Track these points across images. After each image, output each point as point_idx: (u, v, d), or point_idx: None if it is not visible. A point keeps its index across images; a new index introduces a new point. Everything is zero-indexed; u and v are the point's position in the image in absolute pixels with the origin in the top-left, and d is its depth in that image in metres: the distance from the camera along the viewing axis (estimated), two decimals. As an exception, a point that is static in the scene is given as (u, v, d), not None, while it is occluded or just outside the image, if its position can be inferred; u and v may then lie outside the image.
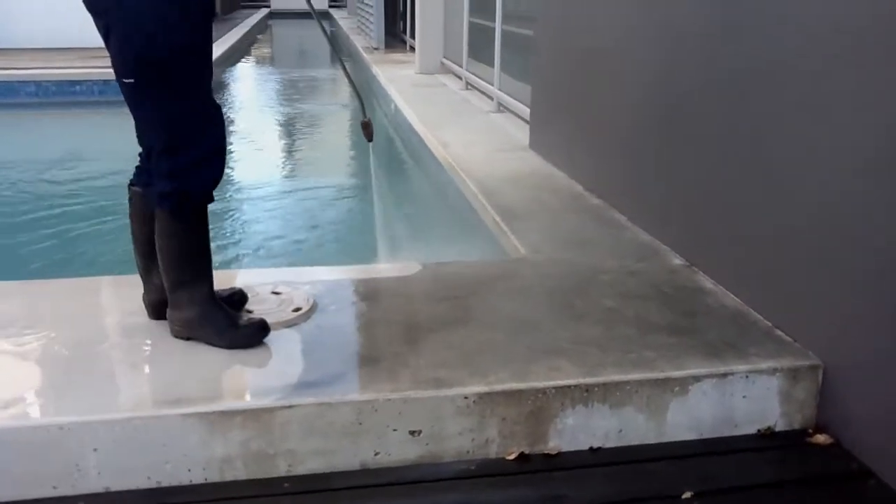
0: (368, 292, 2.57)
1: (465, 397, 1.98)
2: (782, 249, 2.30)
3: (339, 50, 2.45)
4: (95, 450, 1.86)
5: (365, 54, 10.85)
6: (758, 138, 2.39)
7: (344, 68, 2.48)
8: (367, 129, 2.49)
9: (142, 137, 2.15)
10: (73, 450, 1.85)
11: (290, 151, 7.24)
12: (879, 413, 1.97)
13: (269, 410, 1.91)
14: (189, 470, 1.91)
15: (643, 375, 2.06)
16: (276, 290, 2.52)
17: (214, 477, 1.93)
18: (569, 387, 2.02)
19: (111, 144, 6.91)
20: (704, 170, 2.71)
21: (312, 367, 2.09)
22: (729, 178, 2.55)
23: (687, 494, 1.88)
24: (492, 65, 6.31)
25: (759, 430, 2.15)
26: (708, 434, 2.13)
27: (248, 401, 1.92)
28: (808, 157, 2.17)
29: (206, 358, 2.11)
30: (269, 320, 2.30)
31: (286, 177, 6.37)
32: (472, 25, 7.30)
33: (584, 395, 2.03)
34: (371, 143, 2.56)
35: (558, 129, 4.30)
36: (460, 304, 2.49)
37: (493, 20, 6.27)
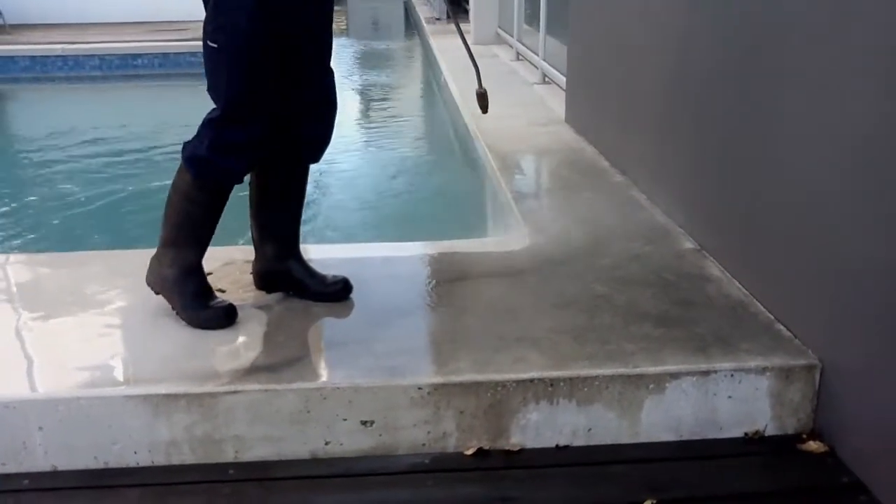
0: (350, 273, 2.48)
1: (420, 388, 1.88)
2: (790, 240, 2.09)
3: (458, 24, 2.37)
4: (41, 428, 1.84)
5: (426, 24, 10.71)
6: (775, 127, 2.17)
7: (463, 40, 2.37)
8: (482, 100, 2.39)
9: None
10: (19, 427, 1.84)
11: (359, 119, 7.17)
12: (879, 421, 1.77)
13: (212, 395, 1.85)
14: (135, 452, 1.88)
15: (614, 370, 1.92)
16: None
17: (161, 460, 1.89)
18: (531, 380, 1.89)
19: (167, 116, 7.08)
20: (722, 153, 2.50)
21: (269, 350, 2.02)
22: (745, 164, 2.34)
23: (648, 502, 1.74)
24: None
25: (746, 434, 1.98)
26: (688, 436, 1.97)
27: (192, 384, 1.87)
28: (819, 153, 1.96)
29: (163, 339, 2.07)
30: (240, 299, 2.26)
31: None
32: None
33: (548, 389, 1.90)
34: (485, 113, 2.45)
35: (591, 102, 4.10)
36: (443, 287, 2.38)
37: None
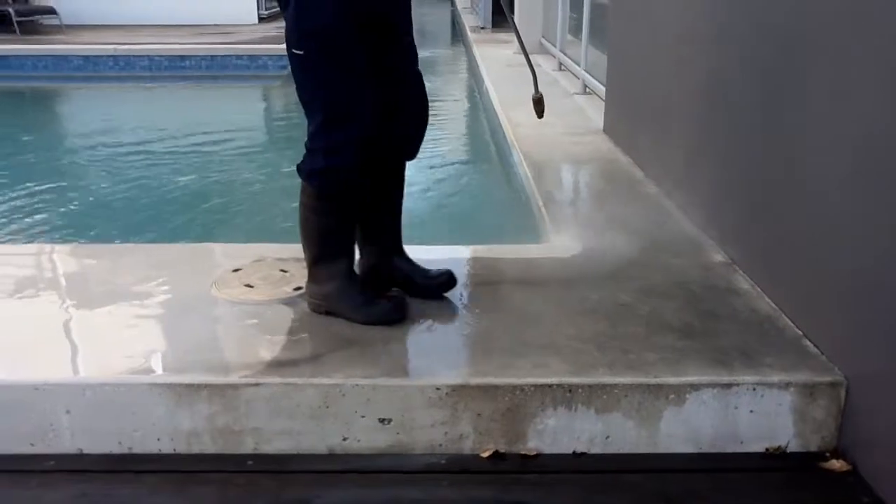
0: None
1: (437, 388, 1.89)
2: (819, 255, 2.06)
3: (518, 30, 2.38)
4: (68, 411, 1.90)
5: (471, 33, 10.76)
6: (806, 143, 2.14)
7: (522, 46, 2.40)
8: (538, 106, 2.38)
9: (307, 114, 2.14)
10: (47, 410, 1.90)
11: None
12: (901, 441, 1.74)
13: (234, 387, 1.89)
14: (158, 439, 1.92)
15: (634, 379, 1.90)
16: (284, 267, 2.49)
17: (182, 448, 1.93)
18: (549, 385, 1.89)
19: (212, 116, 7.21)
20: (754, 167, 2.47)
21: (292, 346, 2.05)
22: (776, 179, 2.31)
23: (661, 512, 1.72)
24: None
25: (766, 449, 1.95)
26: (707, 448, 1.95)
27: (215, 376, 1.90)
28: (848, 171, 1.93)
29: (189, 330, 2.11)
30: (269, 296, 2.30)
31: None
32: (575, 2, 7.04)
33: (566, 395, 1.89)
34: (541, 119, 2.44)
35: (627, 113, 4.08)
36: (468, 291, 2.39)
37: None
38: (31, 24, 10.87)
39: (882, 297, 1.78)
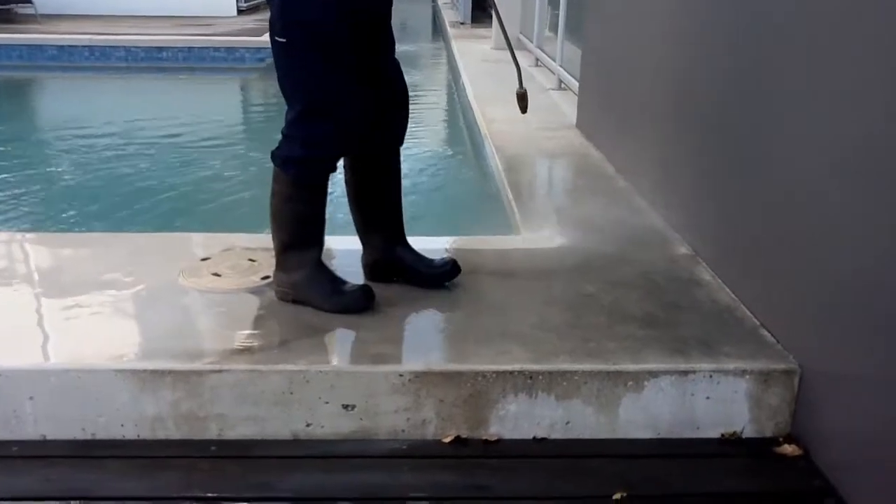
0: (348, 263, 2.52)
1: (401, 375, 1.92)
2: (778, 248, 2.10)
3: (503, 25, 2.39)
4: (32, 398, 1.90)
5: (450, 28, 10.77)
6: (768, 141, 2.19)
7: (507, 40, 2.41)
8: (522, 101, 2.40)
9: (287, 101, 2.15)
10: (11, 396, 1.90)
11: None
12: (850, 426, 1.78)
13: (198, 373, 1.90)
14: (122, 425, 1.93)
15: (593, 367, 1.94)
16: (252, 257, 2.51)
17: (146, 434, 1.94)
18: (510, 372, 1.92)
19: (189, 108, 7.18)
20: (718, 163, 2.52)
21: (258, 333, 2.06)
22: (738, 174, 2.35)
23: (618, 496, 1.76)
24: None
25: (722, 435, 1.99)
26: (665, 434, 1.99)
27: (179, 362, 1.91)
28: (807, 167, 1.97)
29: (155, 318, 2.12)
30: (236, 284, 2.31)
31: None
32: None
33: (527, 382, 1.93)
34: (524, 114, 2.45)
35: (600, 108, 4.12)
36: (434, 280, 2.41)
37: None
38: (6, 12, 10.74)
39: (834, 289, 1.83)
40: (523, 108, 2.40)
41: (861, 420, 1.74)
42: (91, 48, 8.86)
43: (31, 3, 10.74)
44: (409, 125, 2.32)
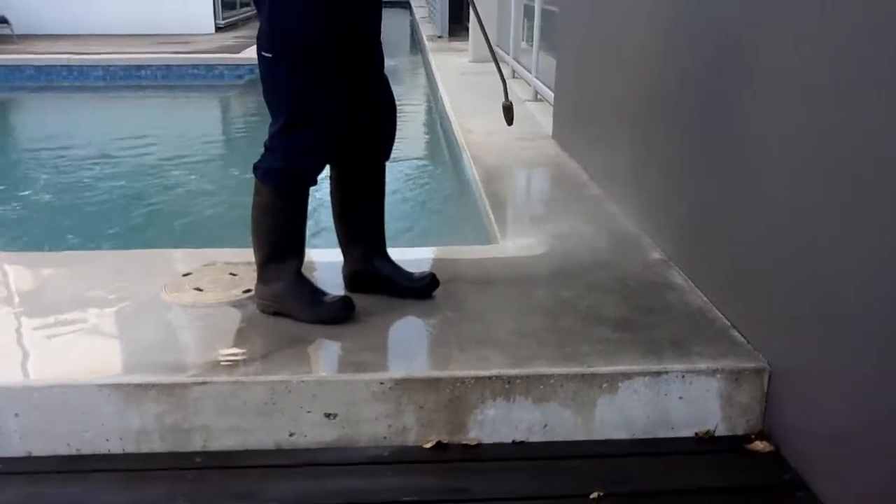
0: (329, 275, 2.56)
1: (381, 382, 1.96)
2: (747, 251, 2.17)
3: (489, 38, 2.44)
4: (17, 414, 1.92)
5: (428, 42, 10.86)
6: (736, 149, 2.26)
7: (492, 53, 2.45)
8: (507, 113, 2.43)
9: (271, 114, 2.18)
10: (-5, 413, 1.92)
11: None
12: (818, 422, 1.84)
13: (182, 386, 1.93)
14: (107, 439, 1.95)
15: (569, 370, 1.99)
16: (234, 271, 2.54)
17: (132, 448, 1.96)
18: (489, 377, 1.97)
19: (168, 125, 7.20)
20: (688, 169, 2.59)
21: (240, 345, 2.10)
22: (708, 181, 2.42)
23: (595, 495, 1.81)
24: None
25: (696, 434, 2.04)
26: (641, 434, 2.04)
27: (163, 375, 1.94)
28: (772, 172, 2.04)
29: (139, 333, 2.15)
30: (218, 298, 2.35)
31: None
32: (528, 10, 7.15)
33: (505, 386, 1.97)
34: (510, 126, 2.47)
35: (574, 119, 4.19)
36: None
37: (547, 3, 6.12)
38: (-18, 34, 10.74)
39: (801, 290, 1.89)
40: (509, 120, 2.45)
41: (828, 416, 1.80)
42: (69, 67, 8.88)
43: (7, 23, 10.73)
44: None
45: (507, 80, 2.42)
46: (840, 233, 1.73)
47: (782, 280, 1.97)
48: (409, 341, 2.16)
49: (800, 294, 1.89)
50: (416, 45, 13.94)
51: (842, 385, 1.74)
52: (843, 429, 1.74)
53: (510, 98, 2.42)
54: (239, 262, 2.60)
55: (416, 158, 6.08)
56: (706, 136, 2.43)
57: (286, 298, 2.22)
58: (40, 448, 1.95)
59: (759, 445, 1.99)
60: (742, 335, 2.16)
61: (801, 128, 1.88)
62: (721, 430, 2.05)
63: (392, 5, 22.22)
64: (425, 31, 12.57)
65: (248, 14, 13.33)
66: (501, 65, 2.45)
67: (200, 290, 2.41)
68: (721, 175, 2.32)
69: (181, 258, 2.72)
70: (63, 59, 8.95)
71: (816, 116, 1.82)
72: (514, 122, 2.39)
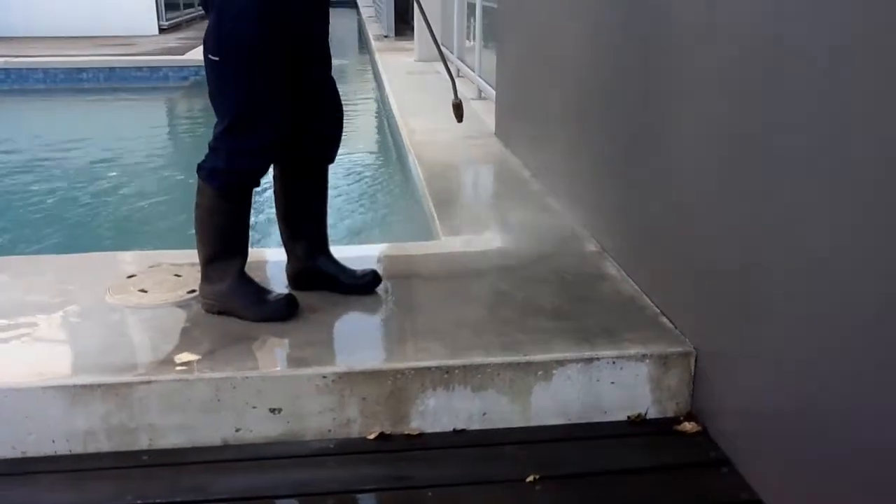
0: (271, 273, 2.60)
1: (324, 376, 2.01)
2: (673, 240, 2.28)
3: (436, 37, 2.49)
4: (-40, 419, 1.93)
5: (374, 42, 10.90)
6: (661, 142, 2.37)
7: (440, 52, 2.49)
8: (457, 110, 2.50)
9: (217, 115, 2.21)
10: (-62, 419, 1.93)
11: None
12: (739, 403, 1.95)
13: (127, 385, 1.96)
14: (53, 441, 1.98)
15: (504, 359, 2.07)
16: (179, 272, 2.57)
17: (78, 448, 1.99)
18: (428, 368, 2.04)
19: (109, 128, 7.11)
20: (620, 163, 2.69)
21: (185, 344, 2.13)
22: (637, 174, 2.52)
23: (531, 478, 1.89)
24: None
25: (629, 417, 2.14)
26: (576, 419, 2.13)
27: (108, 376, 1.97)
28: (695, 165, 2.15)
29: (83, 336, 2.17)
30: (162, 299, 2.37)
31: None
32: (470, 8, 7.24)
33: (444, 376, 2.05)
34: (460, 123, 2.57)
35: (515, 116, 4.29)
36: (357, 286, 2.51)
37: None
38: (-85, 37, 10.45)
39: (722, 277, 2.00)
40: (459, 118, 2.53)
41: (748, 396, 1.91)
42: (6, 70, 8.70)
43: (-59, 26, 10.48)
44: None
45: (453, 78, 2.49)
46: (753, 221, 1.84)
47: (705, 267, 2.08)
48: (351, 336, 2.22)
49: (720, 281, 2.00)
50: (363, 44, 13.96)
51: (760, 367, 1.85)
52: (761, 408, 1.85)
53: (459, 96, 2.49)
54: (184, 263, 2.63)
55: (364, 157, 6.13)
56: (631, 134, 2.53)
57: (230, 297, 2.26)
58: (-15, 452, 1.96)
59: (688, 426, 2.10)
60: (671, 321, 2.27)
61: (714, 125, 1.99)
62: (652, 413, 2.16)
63: (339, 5, 22.26)
64: (372, 30, 12.61)
65: (191, 15, 13.20)
66: (448, 63, 2.52)
67: (145, 291, 2.43)
68: (646, 170, 2.43)
69: (126, 260, 2.73)
70: (0, 62, 8.77)
71: (730, 112, 1.93)
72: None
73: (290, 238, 2.45)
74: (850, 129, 1.49)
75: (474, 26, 6.60)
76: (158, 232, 4.16)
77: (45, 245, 4.04)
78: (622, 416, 2.15)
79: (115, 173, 5.44)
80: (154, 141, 7.00)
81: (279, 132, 2.20)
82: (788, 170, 1.69)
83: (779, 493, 1.78)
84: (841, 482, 1.56)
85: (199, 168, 2.23)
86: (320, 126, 2.34)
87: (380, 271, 2.54)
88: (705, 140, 2.07)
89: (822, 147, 1.57)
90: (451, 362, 2.05)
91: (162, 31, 11.89)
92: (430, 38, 2.55)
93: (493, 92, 5.43)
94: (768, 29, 1.75)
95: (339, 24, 17.91)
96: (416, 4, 2.54)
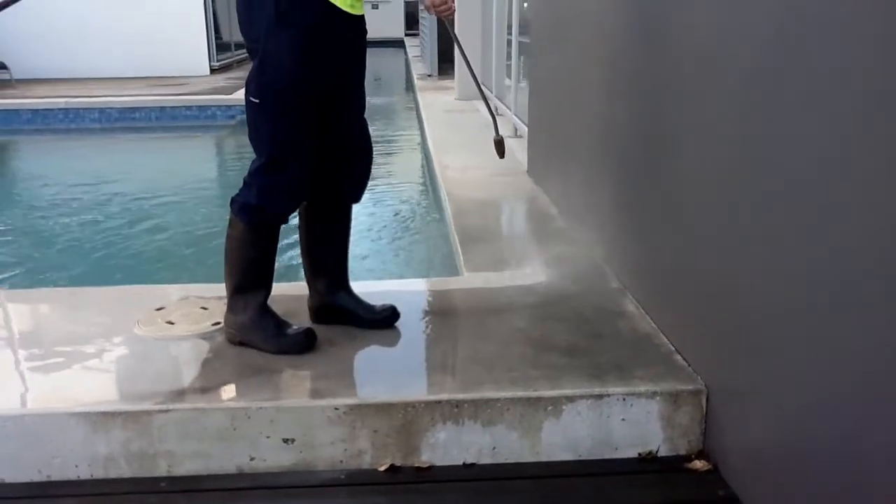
0: (293, 309, 2.67)
1: (336, 408, 2.06)
2: (689, 278, 2.28)
3: (476, 75, 2.60)
4: (-10, 443, 2.03)
5: (417, 80, 11.09)
6: (676, 182, 2.39)
7: (480, 90, 2.57)
8: (499, 147, 2.58)
9: (255, 152, 2.32)
10: (-31, 442, 2.02)
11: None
12: (749, 440, 1.94)
13: (147, 413, 2.03)
14: (76, 466, 2.05)
15: (514, 394, 2.09)
16: (205, 305, 2.66)
17: (100, 473, 2.06)
18: (438, 402, 2.07)
19: (161, 166, 7.36)
20: (638, 204, 2.71)
21: (204, 374, 2.21)
22: (657, 214, 2.54)
23: (535, 512, 1.90)
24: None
25: (639, 454, 2.14)
26: (586, 455, 2.13)
27: (128, 404, 2.05)
28: (710, 207, 2.17)
29: (106, 364, 2.26)
30: (187, 331, 2.46)
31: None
32: (508, 45, 7.34)
33: (454, 410, 2.08)
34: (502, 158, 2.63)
35: (545, 155, 4.34)
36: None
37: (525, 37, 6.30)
38: (-18, 79, 10.98)
39: (735, 316, 2.00)
40: (501, 154, 2.58)
41: (757, 434, 1.90)
42: (66, 111, 9.08)
43: (6, 69, 10.98)
44: (378, 171, 2.48)
45: (487, 117, 2.56)
46: (766, 264, 1.84)
47: (717, 306, 2.08)
48: (365, 369, 2.27)
49: (731, 319, 2.00)
50: (409, 83, 14.21)
51: (769, 406, 1.84)
52: (769, 447, 1.84)
53: (500, 132, 2.55)
54: (211, 296, 2.72)
55: (402, 193, 6.23)
56: (647, 176, 2.56)
57: (251, 329, 2.34)
58: (13, 475, 2.05)
59: (698, 464, 2.09)
60: (684, 359, 2.27)
61: (728, 168, 2.01)
62: (664, 451, 2.15)
63: (386, 45, 22.70)
64: (416, 69, 12.84)
65: (241, 56, 13.62)
66: (477, 102, 2.60)
67: (172, 323, 2.52)
68: (668, 212, 2.44)
69: (158, 293, 2.83)
70: (60, 102, 9.16)
71: (743, 156, 1.95)
72: (493, 158, 2.52)
73: (312, 273, 2.52)
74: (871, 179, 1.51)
75: (511, 64, 6.70)
76: (196, 265, 4.29)
77: (90, 277, 4.20)
78: (633, 453, 2.14)
79: (161, 209, 5.63)
80: (201, 177, 7.22)
81: (309, 173, 2.29)
82: (804, 216, 1.70)
83: (785, 534, 1.76)
84: (842, 523, 1.54)
85: (232, 201, 2.32)
86: (350, 168, 2.42)
87: (400, 306, 2.59)
88: (717, 184, 2.08)
89: (840, 195, 1.59)
90: (460, 396, 2.08)
91: (213, 71, 12.30)
92: (470, 77, 2.61)
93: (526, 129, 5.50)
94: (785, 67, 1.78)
95: (389, 62, 18.30)
96: (455, 44, 2.61)
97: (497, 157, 2.62)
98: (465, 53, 2.62)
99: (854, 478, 1.51)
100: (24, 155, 8.73)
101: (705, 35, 2.12)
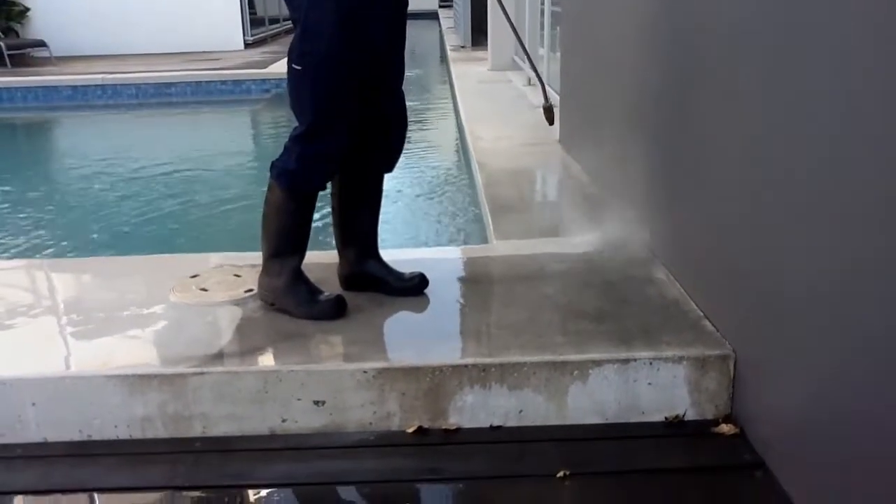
0: (323, 277, 2.71)
1: (365, 371, 2.10)
2: (718, 243, 2.27)
3: (523, 42, 2.63)
4: (34, 404, 2.10)
5: (451, 52, 11.04)
6: (708, 148, 2.37)
7: (528, 58, 2.58)
8: (548, 113, 2.58)
9: (296, 119, 2.36)
10: (14, 403, 2.10)
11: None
12: (776, 404, 1.94)
13: (182, 376, 2.09)
14: (115, 426, 2.12)
15: (541, 358, 2.11)
16: (239, 273, 2.71)
17: (137, 434, 2.13)
18: (465, 366, 2.10)
19: (196, 140, 7.46)
20: (668, 168, 2.70)
21: (237, 339, 2.26)
22: (687, 178, 2.52)
23: (561, 473, 1.92)
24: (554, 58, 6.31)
25: (666, 418, 2.15)
26: (613, 419, 2.15)
27: (164, 367, 2.11)
28: (739, 173, 2.15)
29: (146, 329, 2.32)
30: (221, 297, 2.51)
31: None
32: (541, 14, 7.27)
33: (480, 374, 2.10)
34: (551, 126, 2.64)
35: (576, 123, 4.31)
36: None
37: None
38: (22, 56, 11.16)
39: (763, 280, 1.99)
40: (550, 120, 2.58)
41: (785, 399, 1.89)
42: (103, 87, 9.22)
43: (45, 46, 11.16)
44: (411, 141, 2.50)
45: (521, 88, 2.57)
46: (792, 227, 1.83)
47: (747, 271, 2.07)
48: (393, 334, 2.30)
49: (761, 284, 1.99)
50: (443, 55, 14.15)
51: (796, 370, 1.83)
52: (796, 411, 1.83)
53: (549, 100, 2.54)
54: (244, 264, 2.77)
55: (435, 163, 6.23)
56: (681, 142, 2.54)
57: (284, 295, 2.38)
58: (55, 434, 2.12)
59: (725, 428, 2.09)
60: (713, 324, 2.26)
61: (771, 137, 1.99)
62: (691, 415, 2.15)
63: (421, 17, 22.57)
64: (449, 41, 12.76)
65: (276, 30, 13.68)
66: (515, 72, 2.62)
67: (206, 289, 2.57)
68: (694, 177, 2.43)
69: (193, 261, 2.89)
70: (97, 78, 9.30)
71: (774, 123, 1.92)
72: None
73: (343, 242, 2.55)
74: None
75: (544, 32, 6.63)
76: (232, 235, 4.37)
77: (130, 247, 4.31)
78: (659, 418, 2.15)
79: (196, 182, 5.73)
80: (236, 151, 7.30)
81: (348, 141, 2.31)
82: (830, 177, 1.68)
83: (811, 497, 1.76)
84: (875, 488, 1.54)
85: (272, 166, 2.35)
86: (385, 138, 2.44)
87: (429, 274, 2.61)
88: (742, 151, 2.06)
89: (865, 170, 1.57)
90: (487, 360, 2.11)
91: (247, 45, 12.36)
92: (503, 45, 2.63)
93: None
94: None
95: (423, 35, 18.21)
96: (501, 10, 2.59)
97: (546, 124, 2.62)
98: (511, 19, 2.61)
99: (879, 444, 1.51)
100: (64, 130, 8.90)
101: (738, 4, 2.09)
